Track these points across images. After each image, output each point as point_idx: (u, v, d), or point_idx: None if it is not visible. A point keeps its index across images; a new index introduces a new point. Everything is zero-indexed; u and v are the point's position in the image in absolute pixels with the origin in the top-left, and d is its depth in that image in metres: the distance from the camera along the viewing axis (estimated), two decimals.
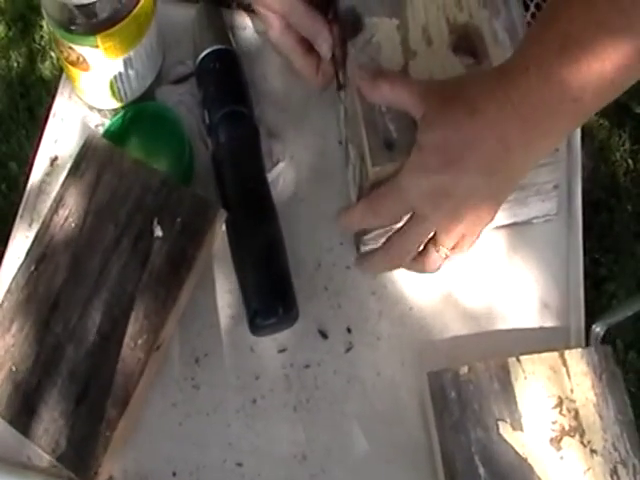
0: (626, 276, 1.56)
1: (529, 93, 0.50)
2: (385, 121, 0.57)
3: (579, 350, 0.61)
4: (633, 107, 1.72)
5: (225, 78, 0.71)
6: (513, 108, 0.50)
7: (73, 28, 0.63)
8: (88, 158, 0.65)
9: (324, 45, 0.65)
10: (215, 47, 0.71)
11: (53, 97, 0.77)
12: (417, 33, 0.60)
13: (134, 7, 0.64)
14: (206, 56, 0.71)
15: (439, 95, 0.54)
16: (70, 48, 0.65)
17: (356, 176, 0.65)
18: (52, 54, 1.65)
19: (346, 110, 0.66)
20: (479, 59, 0.59)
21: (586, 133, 0.76)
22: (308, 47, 0.66)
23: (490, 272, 0.68)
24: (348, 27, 0.62)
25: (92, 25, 0.63)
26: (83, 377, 0.60)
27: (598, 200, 1.59)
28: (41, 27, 1.69)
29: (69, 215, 0.64)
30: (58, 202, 0.65)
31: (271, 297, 0.62)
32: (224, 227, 0.65)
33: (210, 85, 0.71)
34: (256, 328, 0.62)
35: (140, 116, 0.71)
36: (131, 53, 0.68)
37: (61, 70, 0.76)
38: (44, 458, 0.61)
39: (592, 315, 0.69)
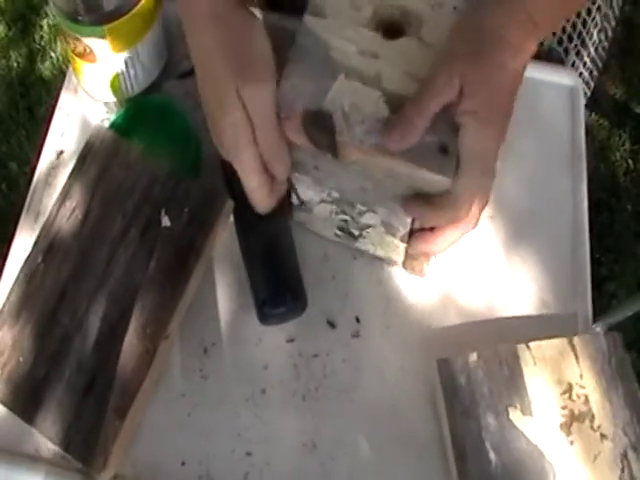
0: (626, 276, 1.57)
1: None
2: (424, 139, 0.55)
3: (587, 336, 0.61)
4: (633, 107, 1.73)
5: None
6: (533, 25, 0.54)
7: (80, 19, 0.63)
8: (95, 150, 0.65)
9: (282, 168, 0.58)
10: None
11: (58, 92, 0.77)
12: (362, 62, 0.57)
13: (140, 0, 0.64)
14: None
15: (462, 58, 0.54)
16: (77, 39, 0.65)
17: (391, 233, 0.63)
18: (52, 54, 1.65)
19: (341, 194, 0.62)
20: (412, 25, 0.58)
21: (586, 133, 0.77)
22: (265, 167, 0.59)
23: (497, 261, 0.68)
24: (326, 126, 0.55)
25: (99, 16, 0.64)
26: (91, 368, 0.60)
27: (598, 200, 1.60)
28: (41, 27, 1.69)
29: (76, 207, 0.64)
30: (65, 194, 0.64)
31: (279, 286, 0.62)
32: (232, 218, 0.65)
33: None
34: (264, 317, 0.62)
35: (146, 109, 0.71)
36: (137, 46, 0.68)
37: (61, 70, 0.77)
38: (52, 449, 0.61)
39: (592, 315, 0.69)
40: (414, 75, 0.56)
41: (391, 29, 0.59)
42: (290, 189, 0.63)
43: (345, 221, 0.65)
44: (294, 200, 0.65)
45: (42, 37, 1.68)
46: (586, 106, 0.83)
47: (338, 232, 0.67)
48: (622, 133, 1.69)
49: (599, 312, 1.16)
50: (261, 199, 0.60)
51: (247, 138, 0.56)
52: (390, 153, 0.54)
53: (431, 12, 0.58)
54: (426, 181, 0.55)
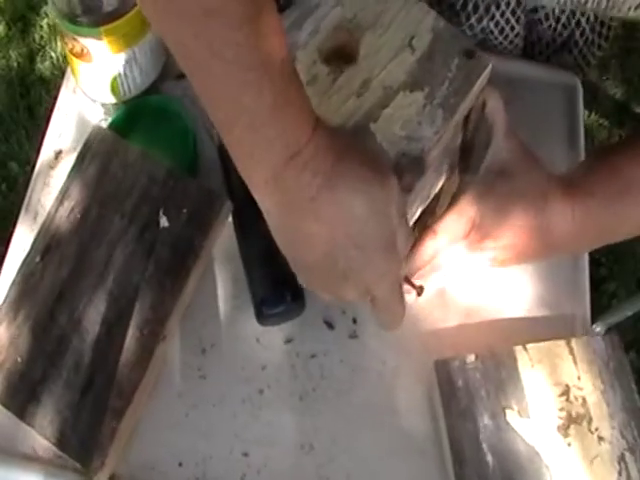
0: (626, 276, 1.56)
1: (589, 212, 0.58)
2: None
3: (585, 338, 0.61)
4: (633, 107, 1.72)
5: None
6: (572, 219, 0.58)
7: (78, 19, 0.63)
8: (93, 150, 0.65)
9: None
10: None
11: (57, 92, 0.77)
12: (367, 97, 0.55)
13: None
14: None
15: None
16: (74, 39, 0.65)
17: None
18: (52, 54, 1.65)
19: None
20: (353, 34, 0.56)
21: (586, 133, 0.77)
22: None
23: None
24: (414, 159, 0.53)
25: (96, 17, 0.64)
26: (88, 368, 0.60)
27: None
28: (41, 27, 1.69)
29: (74, 206, 0.64)
30: (63, 194, 0.65)
31: (278, 286, 0.62)
32: (230, 218, 0.65)
33: None
34: (263, 317, 0.62)
35: (144, 109, 0.71)
36: (135, 48, 0.68)
37: (61, 70, 0.76)
38: (49, 449, 0.61)
39: (592, 315, 0.69)
40: (402, 47, 0.56)
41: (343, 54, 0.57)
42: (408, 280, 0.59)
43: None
44: None
45: (42, 37, 1.68)
46: (586, 105, 0.83)
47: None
48: (622, 133, 1.69)
49: (599, 312, 1.16)
50: (402, 316, 0.55)
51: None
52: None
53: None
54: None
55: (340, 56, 0.56)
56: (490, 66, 0.56)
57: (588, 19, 0.78)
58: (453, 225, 0.58)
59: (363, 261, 0.48)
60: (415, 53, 0.56)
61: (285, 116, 0.45)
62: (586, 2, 0.60)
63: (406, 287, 0.58)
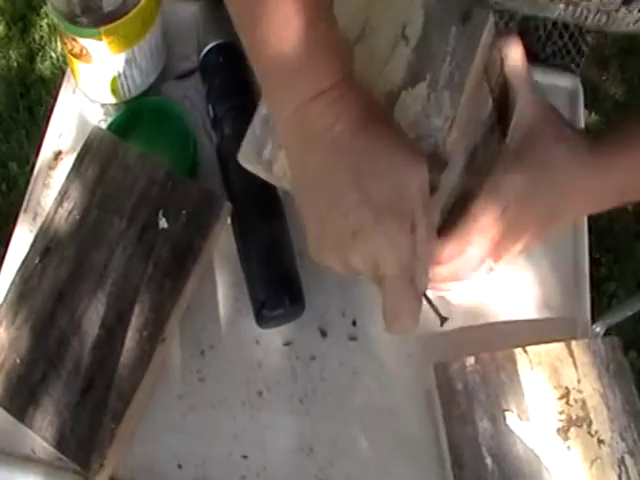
0: (626, 276, 1.56)
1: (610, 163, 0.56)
2: None
3: (586, 341, 0.61)
4: None
5: (229, 71, 0.71)
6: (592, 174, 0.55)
7: (77, 20, 0.63)
8: (93, 151, 0.65)
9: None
10: (218, 41, 0.71)
11: (57, 92, 0.77)
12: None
13: (139, 2, 0.64)
14: (210, 50, 0.71)
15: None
16: (73, 40, 0.65)
17: None
18: (52, 54, 1.65)
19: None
20: None
21: (586, 133, 0.77)
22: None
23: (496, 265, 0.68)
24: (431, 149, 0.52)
25: (96, 18, 0.63)
26: (88, 370, 0.60)
27: None
28: (41, 27, 1.69)
29: (74, 208, 0.64)
30: (63, 195, 0.64)
31: (277, 288, 0.62)
32: (229, 220, 0.65)
33: (214, 79, 0.71)
34: (263, 319, 0.62)
35: (144, 111, 0.71)
36: (135, 48, 0.68)
37: (61, 70, 0.76)
38: (49, 451, 0.60)
39: (592, 315, 0.69)
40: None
41: None
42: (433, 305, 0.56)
43: None
44: None
45: (42, 37, 1.68)
46: (586, 106, 0.83)
47: None
48: None
49: (599, 312, 1.15)
50: (417, 317, 0.48)
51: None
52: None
53: None
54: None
55: None
56: (492, 20, 0.53)
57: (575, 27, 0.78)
58: (488, 208, 0.54)
59: (372, 221, 0.45)
60: (410, 43, 0.54)
61: (311, 54, 0.46)
62: (586, 19, 0.60)
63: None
